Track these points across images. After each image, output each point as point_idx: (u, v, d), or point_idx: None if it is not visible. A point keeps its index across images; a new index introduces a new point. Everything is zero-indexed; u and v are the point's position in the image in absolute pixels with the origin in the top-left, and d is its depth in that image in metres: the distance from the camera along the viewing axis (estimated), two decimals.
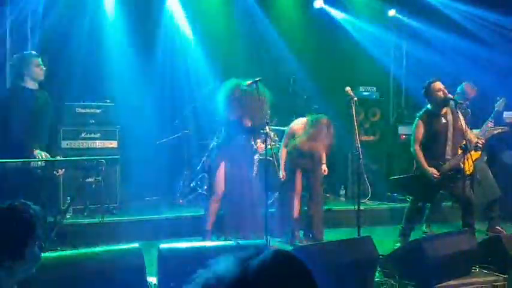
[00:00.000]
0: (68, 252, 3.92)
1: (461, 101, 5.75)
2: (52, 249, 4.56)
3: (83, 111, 6.44)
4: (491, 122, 5.94)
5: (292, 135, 5.73)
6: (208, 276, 1.00)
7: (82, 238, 5.21)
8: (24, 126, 4.53)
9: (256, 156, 6.84)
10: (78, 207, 5.98)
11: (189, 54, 7.61)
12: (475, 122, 6.00)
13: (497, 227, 6.04)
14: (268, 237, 4.76)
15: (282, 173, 5.65)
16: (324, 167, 5.79)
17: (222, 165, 5.35)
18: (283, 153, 5.77)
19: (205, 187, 7.05)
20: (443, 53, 7.59)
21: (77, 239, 5.13)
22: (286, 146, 5.78)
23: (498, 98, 5.99)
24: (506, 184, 6.60)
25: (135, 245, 3.52)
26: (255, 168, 5.80)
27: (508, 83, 6.43)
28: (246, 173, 5.48)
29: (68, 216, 5.67)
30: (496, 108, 5.96)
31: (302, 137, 5.64)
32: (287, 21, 8.19)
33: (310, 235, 5.76)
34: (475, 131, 5.82)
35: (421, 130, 5.31)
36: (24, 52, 4.95)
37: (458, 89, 6.22)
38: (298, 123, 5.77)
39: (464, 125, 5.20)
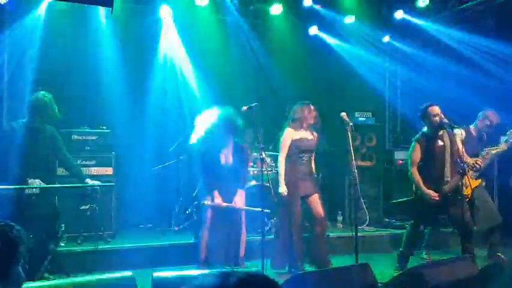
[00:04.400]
0: (62, 280, 3.84)
1: (456, 126, 5.77)
2: (45, 278, 4.49)
3: (79, 138, 6.43)
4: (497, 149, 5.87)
5: (289, 141, 5.50)
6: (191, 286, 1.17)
7: (76, 266, 5.13)
8: (21, 162, 4.59)
9: (252, 182, 6.81)
10: (72, 234, 5.91)
11: (184, 81, 7.63)
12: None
13: (497, 254, 5.98)
14: (264, 263, 4.70)
15: (283, 188, 5.38)
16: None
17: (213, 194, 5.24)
18: (282, 166, 5.47)
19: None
20: (438, 78, 7.65)
21: (71, 267, 5.05)
22: (285, 157, 5.49)
23: (510, 130, 5.91)
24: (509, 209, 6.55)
25: (129, 273, 3.45)
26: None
27: (503, 107, 6.44)
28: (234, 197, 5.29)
29: (62, 244, 5.60)
30: (506, 138, 5.89)
31: (291, 129, 5.53)
32: (282, 49, 8.25)
33: (315, 266, 5.47)
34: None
35: (418, 153, 5.33)
36: (46, 94, 4.96)
37: (480, 115, 6.12)
38: (289, 126, 5.62)
39: (461, 148, 5.20)
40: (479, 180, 6.07)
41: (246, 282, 1.17)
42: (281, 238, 5.58)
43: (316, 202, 5.53)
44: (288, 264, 5.51)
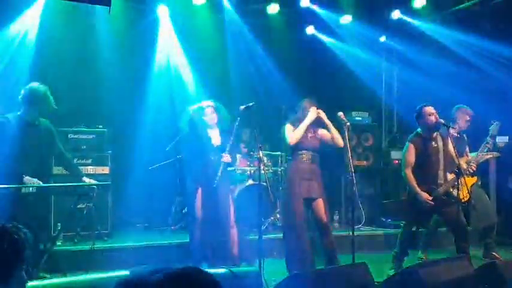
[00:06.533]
0: (58, 279, 3.84)
1: (453, 126, 5.75)
2: (42, 277, 4.48)
3: (75, 137, 6.42)
4: (488, 144, 5.85)
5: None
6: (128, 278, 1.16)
7: (72, 265, 5.12)
8: (16, 156, 4.49)
9: (249, 182, 6.81)
10: (69, 233, 5.90)
11: (181, 80, 7.62)
12: (473, 147, 5.96)
13: (493, 253, 6.00)
14: (262, 262, 4.69)
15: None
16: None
17: (198, 190, 5.22)
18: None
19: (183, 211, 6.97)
20: (434, 78, 7.66)
21: (68, 266, 5.04)
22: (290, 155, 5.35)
23: (492, 121, 5.84)
24: (506, 209, 6.57)
25: (125, 272, 3.45)
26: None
27: (499, 107, 6.47)
28: (223, 194, 5.21)
29: (58, 243, 5.58)
30: (490, 132, 5.83)
31: (289, 125, 5.25)
32: (279, 48, 8.25)
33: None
34: (471, 155, 5.80)
35: (412, 154, 5.28)
36: (41, 85, 4.81)
37: (457, 114, 6.00)
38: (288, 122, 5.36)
39: (454, 151, 5.19)
40: (475, 178, 6.07)
41: (173, 279, 1.11)
42: (287, 240, 5.34)
43: (319, 207, 5.21)
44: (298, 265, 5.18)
